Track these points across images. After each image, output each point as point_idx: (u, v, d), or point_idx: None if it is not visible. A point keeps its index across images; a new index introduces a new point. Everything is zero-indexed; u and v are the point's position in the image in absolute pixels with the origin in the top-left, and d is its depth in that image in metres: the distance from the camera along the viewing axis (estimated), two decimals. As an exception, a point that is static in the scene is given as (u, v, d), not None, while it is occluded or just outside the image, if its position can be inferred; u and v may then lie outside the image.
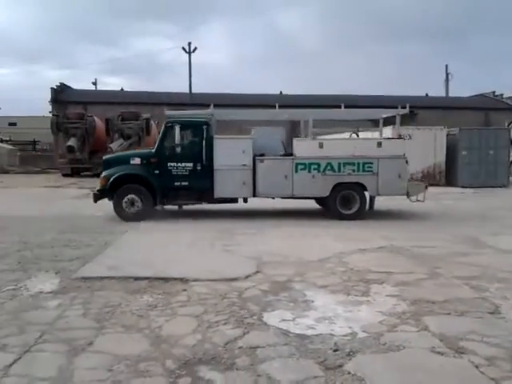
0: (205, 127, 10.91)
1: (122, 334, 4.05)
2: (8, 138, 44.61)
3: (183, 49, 29.49)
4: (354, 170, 10.81)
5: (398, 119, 11.64)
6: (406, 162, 10.91)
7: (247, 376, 3.28)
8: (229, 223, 10.07)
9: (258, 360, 3.50)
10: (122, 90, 40.10)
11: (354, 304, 4.79)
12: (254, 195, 11.00)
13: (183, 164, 10.88)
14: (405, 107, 11.41)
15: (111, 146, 23.22)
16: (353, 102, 24.69)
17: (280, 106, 12.57)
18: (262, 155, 11.01)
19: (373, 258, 6.85)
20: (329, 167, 10.83)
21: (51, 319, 4.37)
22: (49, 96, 33.19)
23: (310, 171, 10.85)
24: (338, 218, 10.75)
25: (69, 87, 35.65)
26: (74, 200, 14.91)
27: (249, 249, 7.43)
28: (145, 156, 11.19)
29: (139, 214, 10.61)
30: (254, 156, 10.89)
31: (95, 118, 25.32)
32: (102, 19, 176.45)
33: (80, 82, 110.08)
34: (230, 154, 10.82)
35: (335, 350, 3.67)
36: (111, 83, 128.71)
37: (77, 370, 3.37)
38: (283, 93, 37.28)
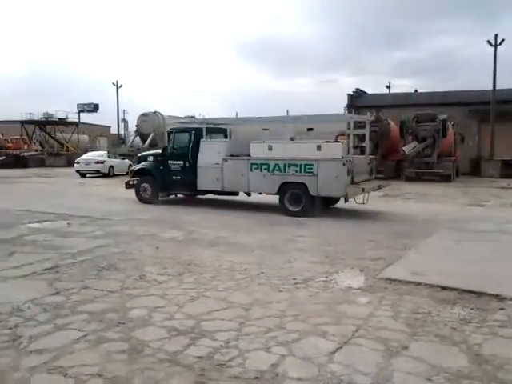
0: (193, 132, 13.25)
1: (437, 345, 3.90)
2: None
3: (488, 42, 26.95)
4: (297, 171, 11.39)
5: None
6: (344, 164, 10.85)
7: None
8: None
9: None
10: (415, 91, 39.53)
11: None
12: (223, 189, 12.61)
13: (177, 162, 13.33)
14: None
15: (404, 148, 23.07)
16: None
17: None
18: None
19: None
20: (276, 167, 11.68)
21: (364, 315, 4.55)
22: (345, 102, 35.37)
23: (261, 170, 11.90)
24: (285, 214, 11.38)
25: (364, 92, 37.13)
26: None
27: None
28: (155, 155, 14.21)
29: (149, 199, 13.69)
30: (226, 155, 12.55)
31: (390, 121, 25.60)
32: (394, 22, 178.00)
33: (374, 87, 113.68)
34: (209, 155, 12.73)
35: None
36: (404, 85, 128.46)
37: (396, 372, 3.39)
38: None
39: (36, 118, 46.95)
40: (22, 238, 8.31)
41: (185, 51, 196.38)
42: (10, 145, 46.03)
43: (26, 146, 45.28)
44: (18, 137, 47.14)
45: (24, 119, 47.14)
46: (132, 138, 26.61)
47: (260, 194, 12.65)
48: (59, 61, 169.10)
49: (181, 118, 26.57)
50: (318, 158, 11.18)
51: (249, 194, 12.97)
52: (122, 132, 54.66)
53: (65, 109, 55.53)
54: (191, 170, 12.99)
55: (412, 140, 23.85)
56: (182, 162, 13.25)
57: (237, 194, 13.13)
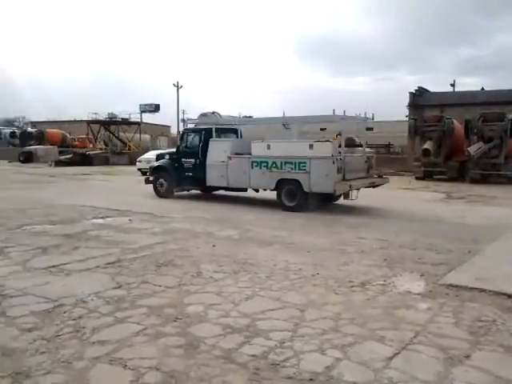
0: (203, 133, 14.25)
1: (502, 355, 3.71)
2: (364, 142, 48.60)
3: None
4: (292, 169, 12.18)
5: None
6: (333, 162, 11.50)
7: None
8: None
9: None
10: (482, 89, 37.77)
11: None
12: (228, 185, 13.67)
13: (190, 160, 14.38)
14: None
15: (469, 149, 22.09)
16: None
17: None
18: None
19: None
20: (274, 165, 12.50)
21: (423, 321, 4.40)
22: (406, 101, 34.35)
23: (260, 168, 12.75)
24: (282, 209, 12.21)
25: (426, 91, 35.93)
26: (427, 203, 14.86)
27: None
28: (171, 153, 15.48)
29: (165, 193, 14.84)
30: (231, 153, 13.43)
31: (453, 121, 24.58)
32: (456, 19, 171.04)
33: (437, 85, 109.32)
34: (217, 153, 13.67)
35: None
36: (469, 83, 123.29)
37: (457, 382, 3.26)
38: None
39: (101, 118, 48.98)
40: (86, 233, 8.68)
41: (243, 51, 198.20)
42: (76, 143, 48.39)
43: (91, 145, 47.41)
44: (84, 136, 49.43)
45: (90, 119, 49.30)
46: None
47: (265, 190, 13.36)
48: (123, 63, 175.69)
49: (237, 117, 26.82)
50: (310, 157, 11.95)
51: (257, 190, 13.79)
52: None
53: (128, 109, 57.58)
54: (201, 167, 14.08)
55: (477, 140, 22.77)
56: (193, 160, 14.35)
57: (245, 190, 13.99)
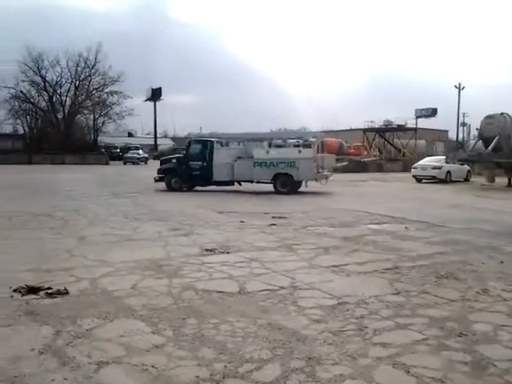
0: (208, 143, 19.54)
1: None
2: None
3: None
4: (285, 166, 18.05)
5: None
6: (314, 161, 18.01)
7: None
8: None
9: None
10: None
11: None
12: (233, 179, 19.03)
13: (197, 162, 19.00)
14: None
15: None
16: None
17: None
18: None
19: None
20: (271, 164, 18.22)
21: None
22: None
23: (261, 166, 18.37)
24: (277, 193, 17.90)
25: None
26: None
27: None
28: (178, 158, 20.48)
29: (177, 188, 18.95)
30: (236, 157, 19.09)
31: None
32: None
33: None
34: (222, 156, 19.03)
35: None
36: None
37: None
38: None
39: (376, 126, 49.98)
40: (363, 238, 8.97)
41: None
42: (351, 151, 50.62)
43: (365, 152, 48.85)
44: (360, 144, 51.30)
45: (365, 127, 50.88)
46: (473, 142, 25.30)
47: (264, 182, 18.79)
48: (399, 69, 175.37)
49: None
50: (299, 158, 17.95)
51: (248, 182, 19.07)
52: (460, 136, 52.63)
53: (403, 115, 56.95)
54: (208, 167, 18.75)
55: None
56: (200, 163, 18.88)
57: (233, 183, 19.12)
